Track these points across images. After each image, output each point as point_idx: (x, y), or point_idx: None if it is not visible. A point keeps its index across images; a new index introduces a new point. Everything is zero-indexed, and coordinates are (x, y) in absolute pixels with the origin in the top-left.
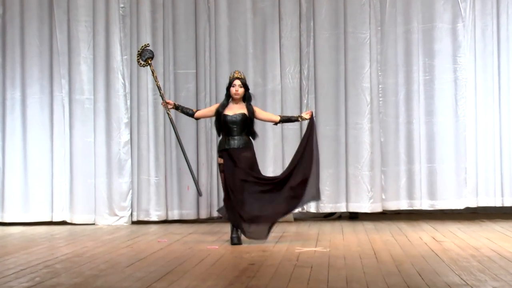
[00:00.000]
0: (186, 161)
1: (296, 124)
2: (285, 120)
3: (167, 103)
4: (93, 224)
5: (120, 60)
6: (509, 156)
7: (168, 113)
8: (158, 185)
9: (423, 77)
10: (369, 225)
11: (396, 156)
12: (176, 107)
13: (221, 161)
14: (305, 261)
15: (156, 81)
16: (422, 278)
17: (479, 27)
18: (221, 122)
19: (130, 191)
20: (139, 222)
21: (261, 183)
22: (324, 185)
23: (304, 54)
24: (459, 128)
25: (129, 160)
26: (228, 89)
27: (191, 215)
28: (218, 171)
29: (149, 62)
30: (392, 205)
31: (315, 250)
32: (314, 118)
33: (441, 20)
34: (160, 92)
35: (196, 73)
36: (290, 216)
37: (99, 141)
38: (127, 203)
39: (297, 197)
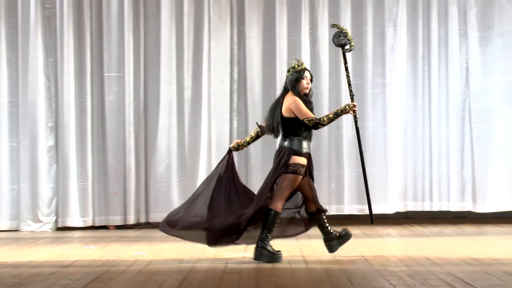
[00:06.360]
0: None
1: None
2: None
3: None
4: (17, 230)
5: (45, 62)
6: (438, 161)
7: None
8: (84, 190)
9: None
10: None
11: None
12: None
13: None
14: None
15: (348, 79)
16: (352, 284)
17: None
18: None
19: (55, 196)
20: (64, 229)
21: None
22: None
23: (234, 57)
24: (387, 133)
25: (54, 165)
26: (297, 81)
27: (118, 221)
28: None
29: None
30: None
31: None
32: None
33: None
34: (350, 93)
35: (124, 76)
36: None
37: (23, 146)
38: (52, 208)
39: None
